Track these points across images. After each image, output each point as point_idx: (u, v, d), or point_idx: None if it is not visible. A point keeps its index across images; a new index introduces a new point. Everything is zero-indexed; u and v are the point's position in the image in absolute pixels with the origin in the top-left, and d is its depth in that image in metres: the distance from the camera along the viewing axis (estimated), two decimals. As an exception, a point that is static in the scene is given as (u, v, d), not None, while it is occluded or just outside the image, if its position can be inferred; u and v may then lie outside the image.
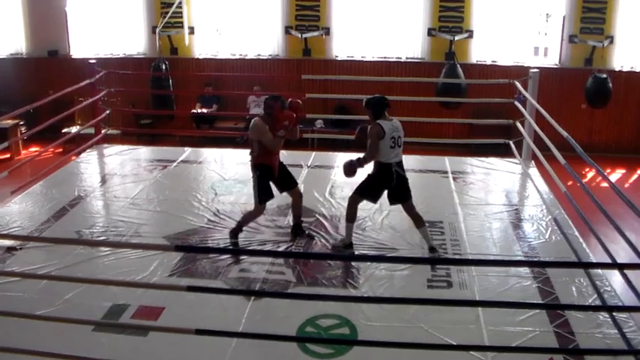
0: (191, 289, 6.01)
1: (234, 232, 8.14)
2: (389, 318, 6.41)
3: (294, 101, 8.23)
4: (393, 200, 7.95)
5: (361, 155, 7.72)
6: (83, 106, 12.78)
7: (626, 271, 6.40)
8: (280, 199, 9.42)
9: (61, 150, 14.95)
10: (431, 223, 8.77)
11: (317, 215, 9.07)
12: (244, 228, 8.23)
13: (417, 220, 7.97)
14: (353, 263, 7.62)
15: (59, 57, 17.91)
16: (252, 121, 7.96)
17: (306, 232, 8.43)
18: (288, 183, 8.32)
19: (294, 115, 8.05)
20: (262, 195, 8.01)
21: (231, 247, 8.13)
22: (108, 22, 17.77)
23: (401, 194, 7.92)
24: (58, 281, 6.74)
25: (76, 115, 15.61)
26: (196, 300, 6.59)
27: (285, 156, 11.13)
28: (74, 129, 15.38)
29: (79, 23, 17.95)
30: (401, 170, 7.84)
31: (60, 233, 8.41)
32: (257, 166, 7.99)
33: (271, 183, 8.12)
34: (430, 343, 5.98)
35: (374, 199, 8.04)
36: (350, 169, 7.80)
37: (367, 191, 7.92)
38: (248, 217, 8.25)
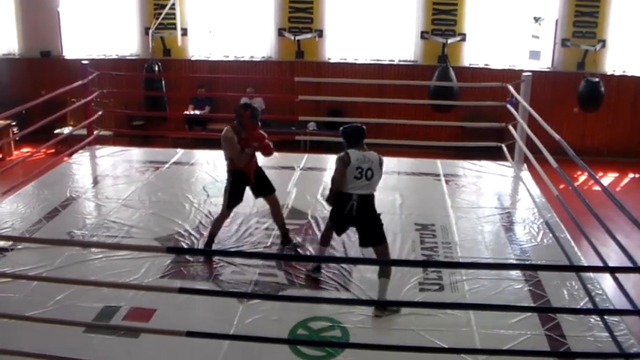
0: (183, 290, 5.99)
1: (208, 245, 8.03)
2: (380, 320, 6.42)
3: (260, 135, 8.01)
4: (360, 241, 7.13)
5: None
6: (75, 107, 12.76)
7: (617, 275, 6.41)
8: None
9: (53, 151, 14.92)
10: (423, 226, 8.80)
11: (309, 217, 9.07)
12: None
13: (381, 270, 6.81)
14: (344, 266, 7.61)
15: (52, 58, 17.88)
16: (224, 129, 7.93)
17: (294, 241, 8.29)
18: (264, 189, 8.17)
19: (264, 139, 7.94)
20: (231, 200, 7.97)
21: (222, 249, 8.13)
22: (101, 23, 17.74)
23: (367, 235, 7.04)
24: (49, 282, 6.72)
25: (68, 116, 15.59)
26: (188, 302, 6.57)
27: (277, 158, 11.19)
28: (66, 130, 15.36)
29: (72, 24, 17.92)
30: (365, 205, 6.96)
31: (51, 234, 8.39)
32: (231, 172, 7.95)
33: (248, 188, 8.08)
34: (421, 346, 5.98)
35: (337, 230, 7.34)
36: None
37: (331, 220, 7.36)
38: (216, 225, 8.16)
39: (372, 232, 7.01)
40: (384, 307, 6.66)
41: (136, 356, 5.89)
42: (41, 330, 5.86)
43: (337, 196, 7.08)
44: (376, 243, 7.00)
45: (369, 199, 7.05)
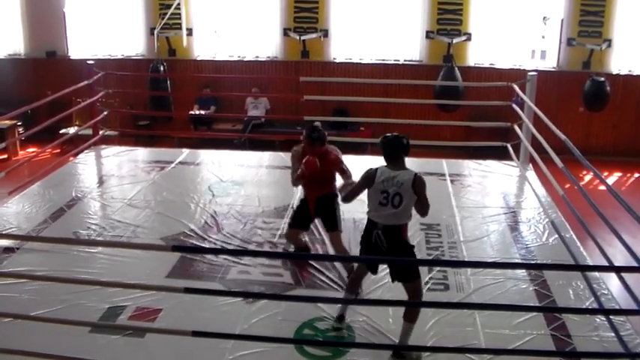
0: (188, 290, 6.00)
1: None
2: (386, 320, 6.41)
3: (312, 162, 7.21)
4: (391, 275, 6.26)
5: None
6: (81, 107, 12.77)
7: (623, 275, 6.41)
8: (277, 200, 9.47)
9: (58, 151, 14.93)
10: (428, 226, 8.80)
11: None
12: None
13: (407, 312, 6.00)
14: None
15: (57, 58, 17.90)
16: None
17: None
18: (327, 223, 7.62)
19: (315, 164, 7.15)
20: (294, 219, 7.80)
21: (228, 248, 8.14)
22: (106, 23, 17.74)
23: (395, 269, 6.19)
24: (54, 282, 6.73)
25: (73, 116, 15.59)
26: (193, 302, 6.58)
27: (282, 158, 11.24)
28: (72, 130, 15.36)
29: (77, 24, 17.91)
30: (392, 237, 6.04)
31: (57, 234, 8.41)
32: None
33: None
34: (427, 346, 6.00)
35: (368, 267, 6.47)
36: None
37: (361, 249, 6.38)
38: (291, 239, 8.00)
39: (401, 267, 6.14)
40: (401, 355, 5.99)
41: (142, 356, 5.90)
42: (47, 330, 5.87)
43: (367, 222, 6.16)
44: (406, 279, 6.09)
45: (398, 230, 6.06)
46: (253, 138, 16.09)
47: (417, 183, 6.03)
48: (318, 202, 7.47)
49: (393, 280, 6.21)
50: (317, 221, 8.01)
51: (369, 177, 6.06)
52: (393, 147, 6.12)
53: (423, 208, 6.19)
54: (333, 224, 7.44)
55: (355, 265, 6.82)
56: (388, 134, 6.23)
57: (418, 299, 6.12)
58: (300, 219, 7.69)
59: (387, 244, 5.99)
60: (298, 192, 9.36)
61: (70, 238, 8.28)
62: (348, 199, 6.55)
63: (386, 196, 5.96)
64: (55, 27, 17.73)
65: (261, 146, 14.66)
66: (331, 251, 7.83)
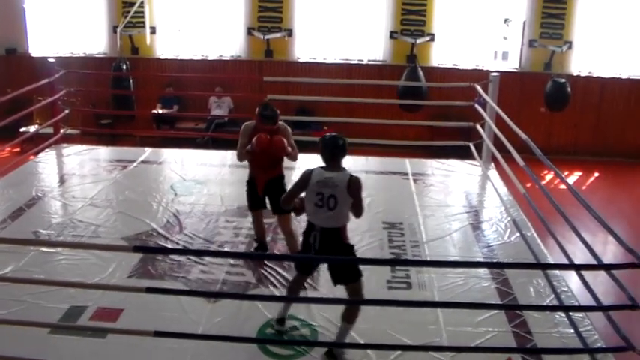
0: (150, 290, 5.96)
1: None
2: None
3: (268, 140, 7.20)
4: (332, 278, 6.18)
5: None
6: (42, 106, 12.65)
7: (582, 272, 6.49)
8: (240, 200, 9.41)
9: (18, 150, 14.74)
10: (391, 225, 8.84)
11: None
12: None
13: (348, 314, 5.95)
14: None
15: (17, 55, 17.67)
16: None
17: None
18: (274, 207, 7.47)
19: (267, 141, 7.13)
20: (248, 202, 7.74)
21: (190, 248, 8.11)
22: (68, 20, 17.56)
23: (336, 271, 6.09)
24: (13, 283, 6.65)
25: (34, 114, 15.41)
26: (155, 301, 6.55)
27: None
28: (32, 128, 15.19)
29: (38, 21, 17.71)
30: (331, 240, 5.96)
31: (17, 234, 8.30)
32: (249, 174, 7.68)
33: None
34: (390, 344, 6.01)
35: (301, 268, 6.42)
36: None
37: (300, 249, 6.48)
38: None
39: (342, 268, 6.05)
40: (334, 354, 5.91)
41: (103, 357, 5.85)
42: (6, 332, 5.80)
43: (307, 222, 6.09)
44: (347, 280, 6.02)
45: (337, 233, 5.97)
46: (216, 137, 16.03)
47: (352, 185, 5.89)
48: (267, 185, 7.46)
49: (335, 283, 6.14)
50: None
51: (304, 179, 5.96)
52: (329, 148, 6.01)
53: (358, 210, 6.04)
54: (280, 207, 7.00)
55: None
56: (327, 135, 6.12)
57: (360, 297, 6.05)
58: (253, 200, 7.64)
59: (320, 246, 5.92)
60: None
61: (29, 238, 8.18)
62: (285, 202, 6.30)
63: (321, 198, 5.86)
64: (15, 23, 17.51)
65: (224, 145, 14.60)
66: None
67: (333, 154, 6.00)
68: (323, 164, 6.01)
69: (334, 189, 5.83)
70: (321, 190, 5.85)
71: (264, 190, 7.48)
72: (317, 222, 5.94)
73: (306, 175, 5.96)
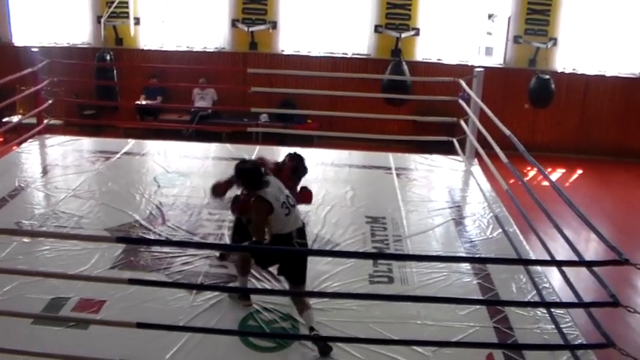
0: (133, 281, 5.96)
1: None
2: (330, 313, 6.43)
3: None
4: (286, 276, 6.40)
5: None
6: (25, 96, 12.56)
7: (564, 268, 6.52)
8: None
9: (1, 140, 14.67)
10: (374, 219, 8.85)
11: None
12: None
13: (301, 306, 6.12)
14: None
15: (0, 44, 17.55)
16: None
17: None
18: None
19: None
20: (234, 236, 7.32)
21: (173, 240, 8.09)
22: (52, 10, 17.46)
23: (294, 272, 6.30)
24: (-5, 273, 6.63)
25: (17, 104, 15.32)
26: (138, 293, 6.54)
27: (229, 149, 11.23)
28: (15, 118, 15.09)
29: (22, 10, 17.59)
30: (302, 240, 6.33)
31: (-1, 224, 8.27)
32: None
33: None
34: (371, 338, 6.02)
35: (264, 266, 6.75)
36: (233, 206, 6.64)
37: (260, 259, 6.54)
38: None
39: (301, 270, 6.30)
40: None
41: (86, 348, 5.81)
42: (-12, 321, 5.78)
43: (275, 240, 6.14)
44: (300, 281, 6.32)
45: (303, 229, 6.38)
46: (200, 129, 16.01)
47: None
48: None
49: (285, 279, 6.41)
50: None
51: (268, 209, 6.00)
52: (258, 172, 6.15)
53: None
54: None
55: None
56: (242, 165, 6.28)
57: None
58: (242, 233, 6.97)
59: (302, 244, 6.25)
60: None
61: (12, 228, 8.13)
62: (258, 235, 6.13)
63: (285, 205, 6.07)
64: (-2, 13, 17.41)
65: (208, 137, 14.60)
66: None
67: (262, 175, 6.15)
68: (257, 187, 6.08)
69: (282, 188, 6.19)
70: (279, 199, 6.06)
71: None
72: (294, 226, 6.17)
73: (265, 204, 6.00)
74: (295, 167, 6.93)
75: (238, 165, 6.30)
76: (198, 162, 11.13)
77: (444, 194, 10.17)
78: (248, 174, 6.17)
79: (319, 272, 7.14)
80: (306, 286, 6.46)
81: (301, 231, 6.28)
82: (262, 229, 6.11)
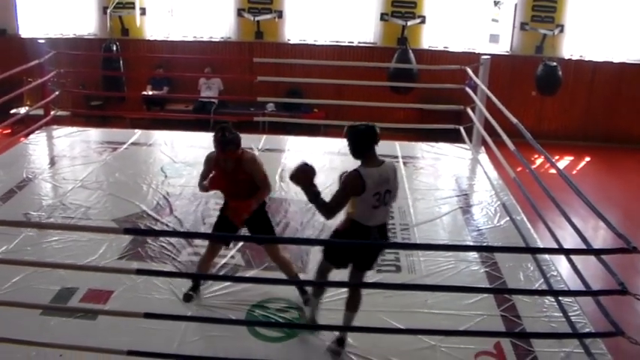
0: (140, 272, 5.98)
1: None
2: (337, 302, 6.43)
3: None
4: (354, 266, 5.92)
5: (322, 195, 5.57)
6: (32, 87, 12.56)
7: (572, 257, 6.51)
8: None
9: (9, 131, 14.68)
10: (381, 208, 8.83)
11: (267, 199, 9.05)
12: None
13: (353, 302, 5.87)
14: (302, 247, 7.63)
15: (7, 36, 17.53)
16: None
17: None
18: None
19: (220, 183, 6.43)
20: (214, 233, 6.95)
21: (180, 230, 8.11)
22: (58, 1, 17.42)
23: (367, 264, 5.91)
24: (5, 265, 6.64)
25: (24, 95, 15.32)
26: (145, 283, 6.57)
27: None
28: (23, 110, 15.09)
29: (28, 2, 17.57)
30: (383, 238, 5.82)
31: (7, 216, 8.27)
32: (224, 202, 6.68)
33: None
34: (378, 327, 6.03)
35: (338, 264, 5.96)
36: (303, 174, 5.55)
37: (330, 255, 5.94)
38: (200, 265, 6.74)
39: (373, 261, 5.92)
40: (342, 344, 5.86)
41: (94, 338, 5.84)
42: (-3, 312, 5.81)
43: (352, 227, 5.64)
44: (369, 268, 5.95)
45: (385, 227, 5.84)
46: (206, 118, 16.02)
47: (396, 170, 5.73)
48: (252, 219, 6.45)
49: (360, 270, 5.93)
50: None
51: (357, 186, 5.40)
52: (371, 138, 5.56)
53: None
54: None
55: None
56: (353, 125, 5.63)
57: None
58: (223, 232, 6.64)
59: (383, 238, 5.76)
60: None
61: (20, 221, 8.16)
62: (331, 213, 5.55)
63: (378, 197, 5.49)
64: (4, 4, 17.37)
65: (214, 127, 14.57)
66: None
67: (374, 143, 5.59)
68: (360, 159, 5.57)
69: (387, 184, 5.56)
70: (378, 190, 5.48)
71: (245, 220, 6.44)
72: (376, 222, 5.63)
73: (360, 181, 5.40)
74: (215, 139, 6.30)
75: (350, 127, 5.61)
76: (205, 151, 11.03)
77: (451, 183, 10.17)
78: (357, 136, 5.56)
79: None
80: (312, 276, 6.45)
81: (382, 230, 5.75)
82: (338, 206, 5.49)
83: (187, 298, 6.52)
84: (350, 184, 5.42)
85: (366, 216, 5.55)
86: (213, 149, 6.28)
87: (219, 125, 6.34)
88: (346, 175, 5.51)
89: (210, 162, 6.51)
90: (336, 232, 5.83)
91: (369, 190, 5.40)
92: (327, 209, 5.50)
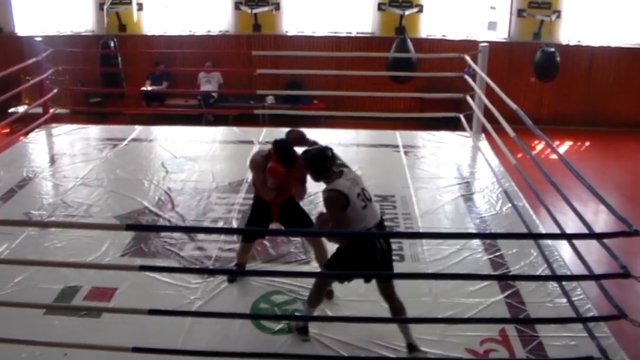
0: (143, 268, 5.97)
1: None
2: (343, 292, 6.43)
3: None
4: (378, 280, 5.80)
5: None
6: (30, 85, 12.57)
7: (574, 241, 6.50)
8: (231, 175, 9.44)
9: (8, 130, 14.69)
10: (383, 197, 8.84)
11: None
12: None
13: (396, 308, 5.78)
14: (305, 240, 7.62)
15: (3, 35, 17.50)
16: (254, 154, 6.72)
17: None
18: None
19: (281, 171, 6.13)
20: (249, 228, 6.90)
21: (182, 225, 8.10)
22: (54, -2, 17.44)
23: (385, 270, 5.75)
24: (7, 264, 6.65)
25: (23, 94, 15.32)
26: (149, 280, 6.57)
27: (236, 133, 11.22)
28: (21, 108, 15.10)
29: (24, 0, 17.56)
30: (386, 234, 5.93)
31: (8, 215, 8.27)
32: (255, 197, 6.67)
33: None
34: (383, 317, 6.01)
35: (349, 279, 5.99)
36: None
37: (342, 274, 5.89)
38: (239, 254, 6.90)
39: (389, 266, 5.82)
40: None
41: (99, 336, 5.84)
42: (1, 313, 5.78)
43: (353, 239, 5.63)
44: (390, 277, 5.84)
45: (383, 223, 5.89)
46: (206, 112, 16.03)
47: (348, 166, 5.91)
48: (282, 208, 6.50)
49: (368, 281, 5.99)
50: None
51: (343, 203, 5.45)
52: (325, 157, 5.67)
53: None
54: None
55: None
56: (308, 149, 5.80)
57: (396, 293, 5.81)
58: (260, 226, 6.61)
59: (388, 248, 5.69)
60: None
61: (22, 220, 8.16)
62: (342, 236, 5.65)
63: (361, 197, 5.57)
64: (0, 3, 17.35)
65: (215, 121, 14.59)
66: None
67: (328, 159, 5.68)
68: (324, 181, 5.65)
69: (357, 183, 5.68)
70: (356, 191, 5.55)
71: (280, 214, 6.53)
72: (373, 221, 5.63)
73: (341, 196, 5.46)
74: (280, 150, 6.20)
75: (304, 154, 5.74)
76: (206, 146, 11.13)
77: (452, 170, 10.15)
78: (318, 161, 5.65)
79: (330, 252, 7.12)
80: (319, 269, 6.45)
81: (381, 226, 5.78)
82: (341, 225, 5.51)
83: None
84: (335, 204, 5.47)
85: (360, 220, 5.55)
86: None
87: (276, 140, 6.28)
88: (325, 199, 5.55)
89: (262, 166, 6.25)
90: (339, 251, 5.78)
91: (352, 198, 5.47)
92: (339, 233, 5.62)
